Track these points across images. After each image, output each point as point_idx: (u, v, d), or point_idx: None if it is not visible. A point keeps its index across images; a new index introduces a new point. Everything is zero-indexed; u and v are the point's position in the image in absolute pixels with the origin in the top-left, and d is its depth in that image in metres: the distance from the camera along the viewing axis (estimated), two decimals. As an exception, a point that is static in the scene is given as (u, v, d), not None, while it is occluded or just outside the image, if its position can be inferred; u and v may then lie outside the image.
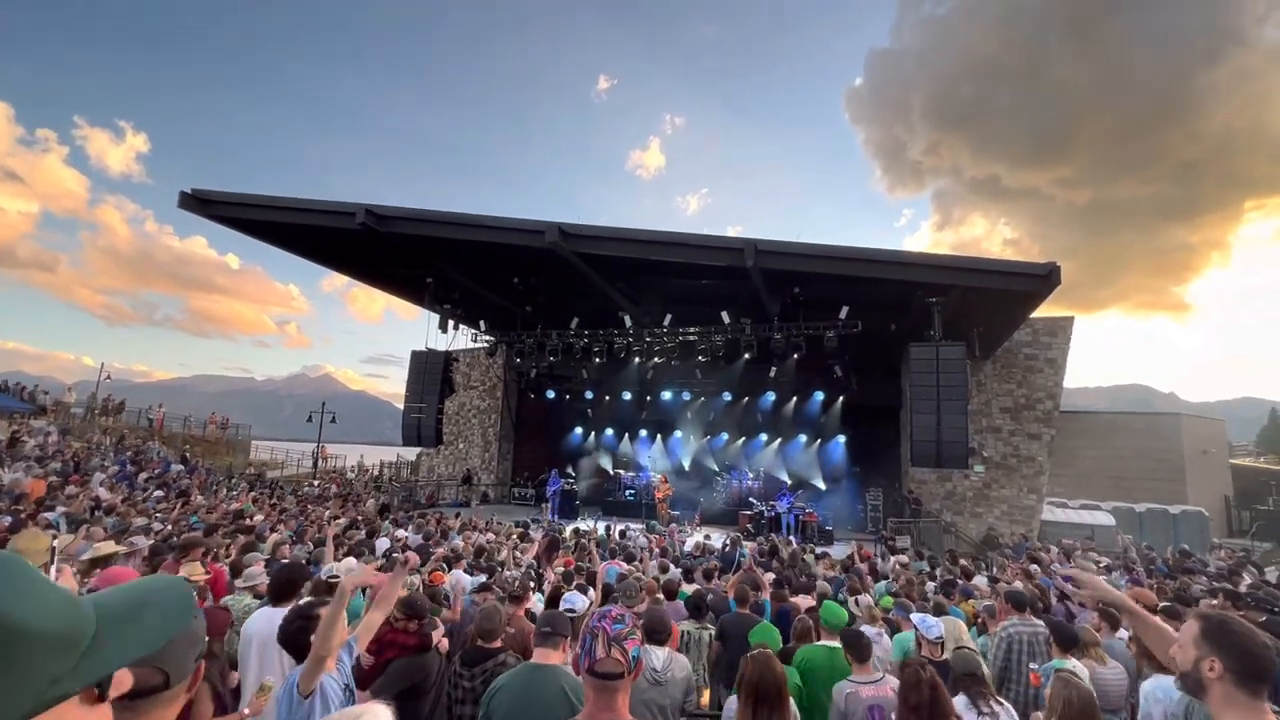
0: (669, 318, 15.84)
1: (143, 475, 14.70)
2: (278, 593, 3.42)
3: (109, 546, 4.19)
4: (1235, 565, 10.56)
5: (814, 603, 5.14)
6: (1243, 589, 6.52)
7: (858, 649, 3.37)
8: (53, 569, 2.61)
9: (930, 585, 6.85)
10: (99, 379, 25.52)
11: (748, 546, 9.52)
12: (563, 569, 6.35)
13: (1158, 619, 1.88)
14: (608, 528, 11.78)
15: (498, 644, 3.02)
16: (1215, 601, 5.21)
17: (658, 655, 3.32)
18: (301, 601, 2.74)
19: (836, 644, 3.85)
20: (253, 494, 14.25)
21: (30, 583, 0.62)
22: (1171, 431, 24.83)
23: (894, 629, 4.89)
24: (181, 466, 17.05)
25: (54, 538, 3.47)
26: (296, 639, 2.37)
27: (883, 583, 6.71)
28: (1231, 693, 1.53)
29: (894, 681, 3.22)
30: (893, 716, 3.05)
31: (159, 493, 11.81)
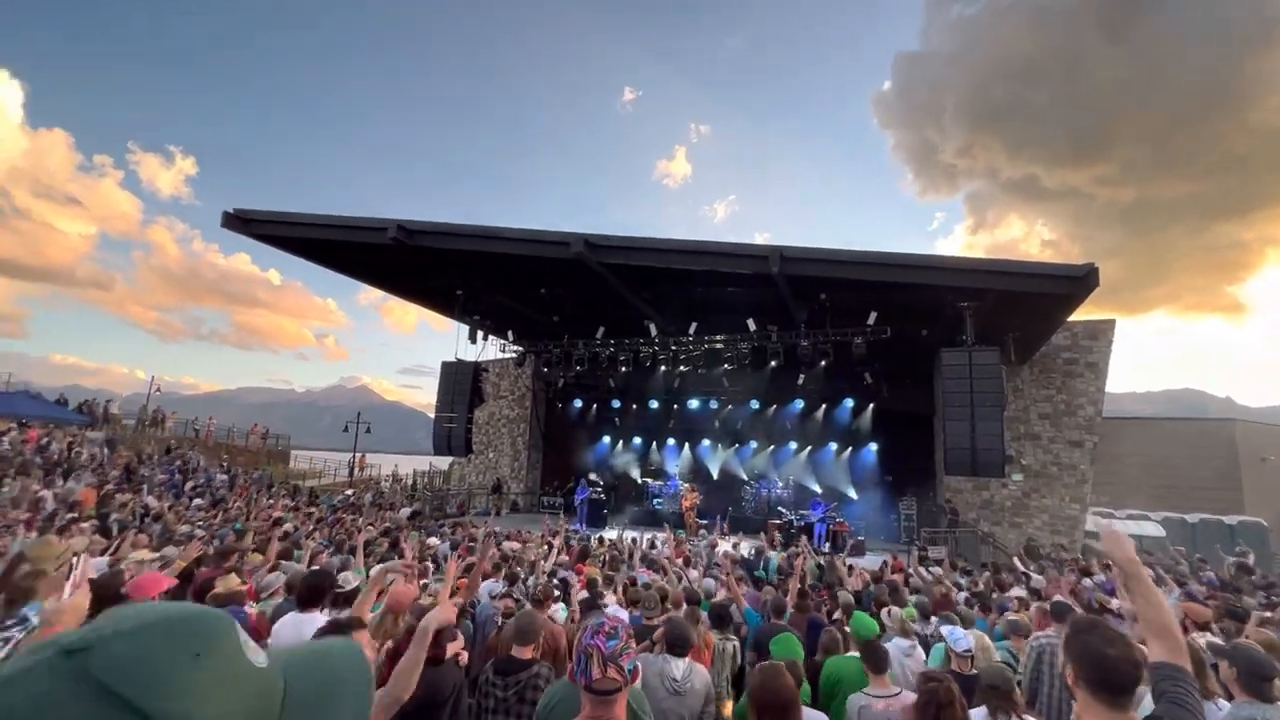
0: (695, 326, 15.81)
1: (189, 484, 15.28)
2: (305, 597, 3.51)
3: (142, 554, 4.36)
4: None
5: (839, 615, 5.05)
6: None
7: (875, 660, 3.31)
8: (75, 570, 2.66)
9: (960, 596, 6.66)
10: (149, 391, 26.69)
11: (776, 557, 9.40)
12: (588, 578, 6.38)
13: (1163, 601, 1.76)
14: (634, 538, 11.77)
15: (530, 653, 3.02)
16: (1269, 615, 4.93)
17: (678, 666, 3.32)
18: (348, 615, 2.73)
19: None
20: (285, 502, 14.67)
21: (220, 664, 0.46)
22: (1225, 437, 23.68)
23: (928, 642, 4.77)
24: (224, 476, 17.65)
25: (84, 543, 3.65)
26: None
27: (913, 596, 6.55)
28: (1088, 699, 1.53)
29: (909, 697, 3.16)
30: None
31: (199, 501, 12.25)
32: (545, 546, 7.96)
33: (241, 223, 14.46)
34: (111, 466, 15.30)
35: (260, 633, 3.05)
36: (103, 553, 5.57)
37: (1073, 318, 14.04)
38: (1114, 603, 5.48)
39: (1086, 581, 8.30)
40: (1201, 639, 4.16)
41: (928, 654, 4.38)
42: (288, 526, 9.21)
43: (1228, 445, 23.40)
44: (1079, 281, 10.68)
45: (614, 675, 1.56)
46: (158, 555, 4.78)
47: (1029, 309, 12.77)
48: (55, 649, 0.41)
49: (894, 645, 4.44)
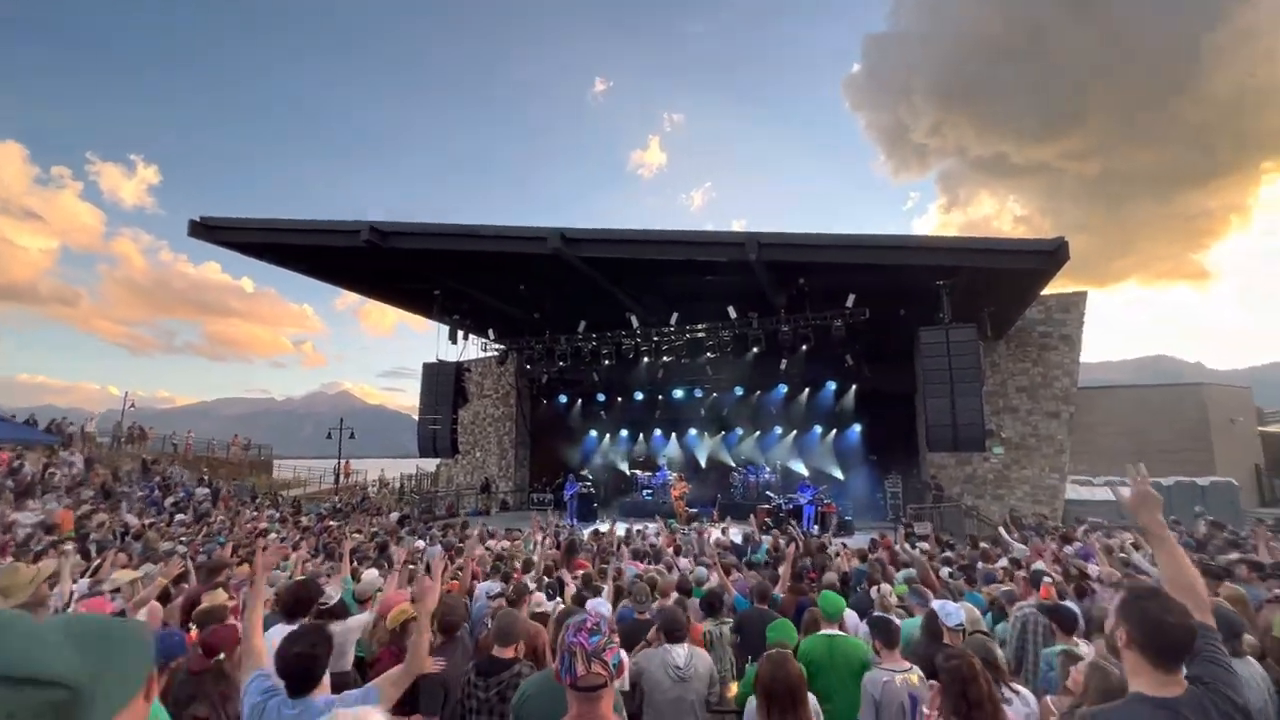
0: (676, 316, 15.84)
1: (169, 500, 15.00)
2: (291, 609, 3.47)
3: (122, 574, 4.27)
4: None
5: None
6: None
7: (886, 635, 3.33)
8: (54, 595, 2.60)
9: (945, 570, 6.79)
10: (124, 407, 26.07)
11: (766, 541, 9.49)
12: (582, 573, 6.38)
13: (1184, 555, 1.83)
14: (627, 529, 11.80)
15: (511, 652, 3.04)
16: (1241, 573, 5.10)
17: (679, 653, 3.38)
18: (309, 623, 2.71)
19: (835, 631, 3.87)
20: (269, 512, 14.47)
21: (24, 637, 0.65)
22: (1195, 402, 24.36)
23: (909, 616, 4.85)
24: (206, 490, 17.35)
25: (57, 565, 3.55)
26: (301, 667, 2.14)
27: (901, 571, 6.67)
28: (1138, 662, 1.58)
29: (919, 670, 3.21)
30: (923, 708, 3.03)
31: (181, 516, 12.03)
32: (533, 544, 7.95)
33: (209, 231, 14.14)
34: (88, 486, 14.95)
35: (215, 645, 3.03)
36: (83, 574, 5.45)
37: (1045, 291, 14.29)
38: (1091, 568, 5.63)
39: (1068, 549, 8.51)
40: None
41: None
42: (272, 537, 9.09)
43: (1198, 409, 24.08)
44: (1049, 255, 10.87)
45: (599, 670, 1.55)
46: (139, 574, 4.68)
47: (1003, 285, 12.97)
48: None
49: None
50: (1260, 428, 28.03)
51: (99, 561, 6.10)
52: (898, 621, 3.51)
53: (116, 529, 9.91)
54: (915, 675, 3.13)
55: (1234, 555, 6.61)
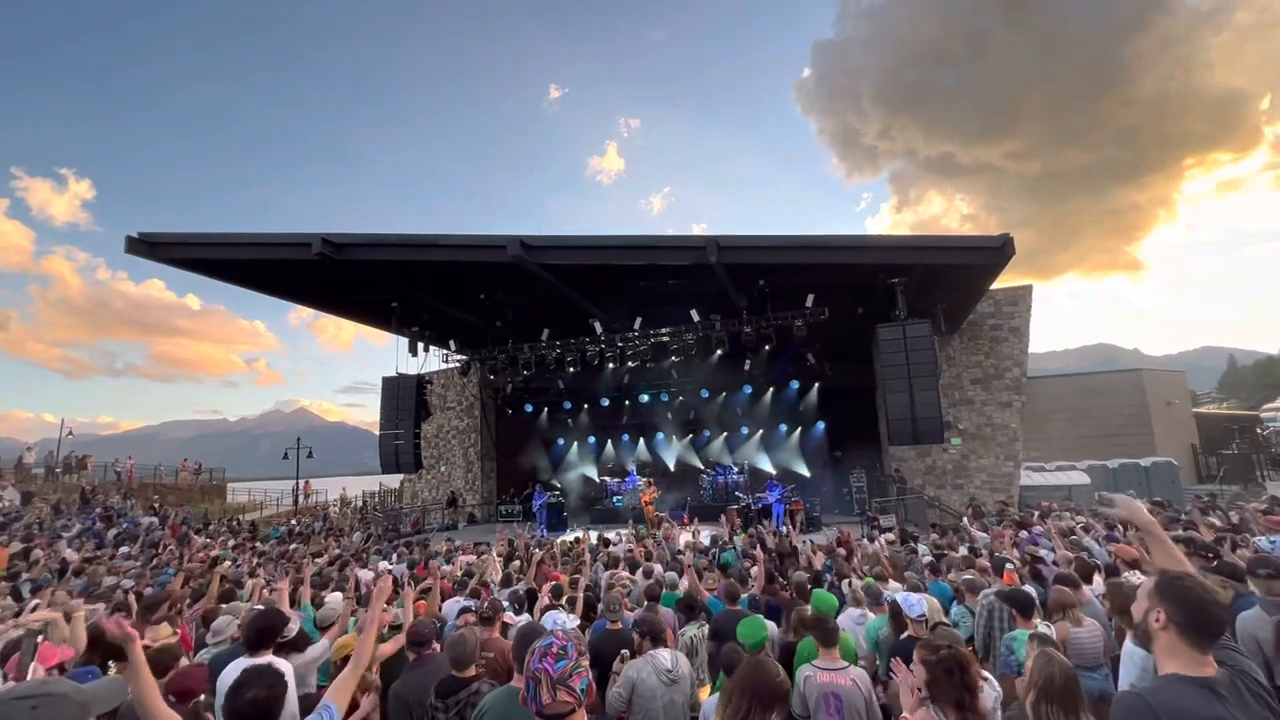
0: (639, 320, 15.85)
1: (112, 531, 14.21)
2: (254, 640, 3.29)
3: (46, 614, 3.95)
4: (1202, 509, 10.88)
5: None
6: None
7: (823, 633, 3.40)
8: None
9: (915, 561, 6.94)
10: (60, 435, 24.65)
11: (736, 542, 9.53)
12: (552, 585, 6.29)
13: (1180, 554, 1.99)
14: (598, 536, 11.71)
15: (471, 672, 2.98)
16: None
17: (665, 656, 3.42)
18: (260, 664, 2.55)
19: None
20: (223, 539, 13.88)
21: None
22: (1135, 387, 25.62)
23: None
24: (153, 519, 16.51)
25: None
26: (257, 713, 2.08)
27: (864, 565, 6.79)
28: (1175, 643, 1.59)
29: (856, 671, 3.25)
30: (861, 704, 3.07)
31: (125, 548, 11.41)
32: (499, 558, 7.81)
33: (148, 247, 13.51)
34: (21, 521, 14.04)
35: (189, 689, 2.81)
36: (14, 616, 5.09)
37: (994, 286, 14.85)
38: (1043, 552, 5.84)
39: (1024, 533, 8.82)
40: (1133, 577, 4.48)
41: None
42: (227, 565, 8.70)
43: (1137, 392, 25.34)
44: (996, 251, 11.30)
45: (565, 699, 1.48)
46: (54, 615, 4.32)
47: (954, 280, 13.42)
48: None
49: (846, 615, 4.59)
50: (1194, 409, 29.70)
51: (35, 602, 5.71)
52: (834, 622, 3.58)
53: (53, 566, 9.32)
54: (846, 676, 3.18)
55: (1177, 533, 6.95)
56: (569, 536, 12.84)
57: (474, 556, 8.86)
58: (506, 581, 6.56)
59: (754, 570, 6.05)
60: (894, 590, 4.81)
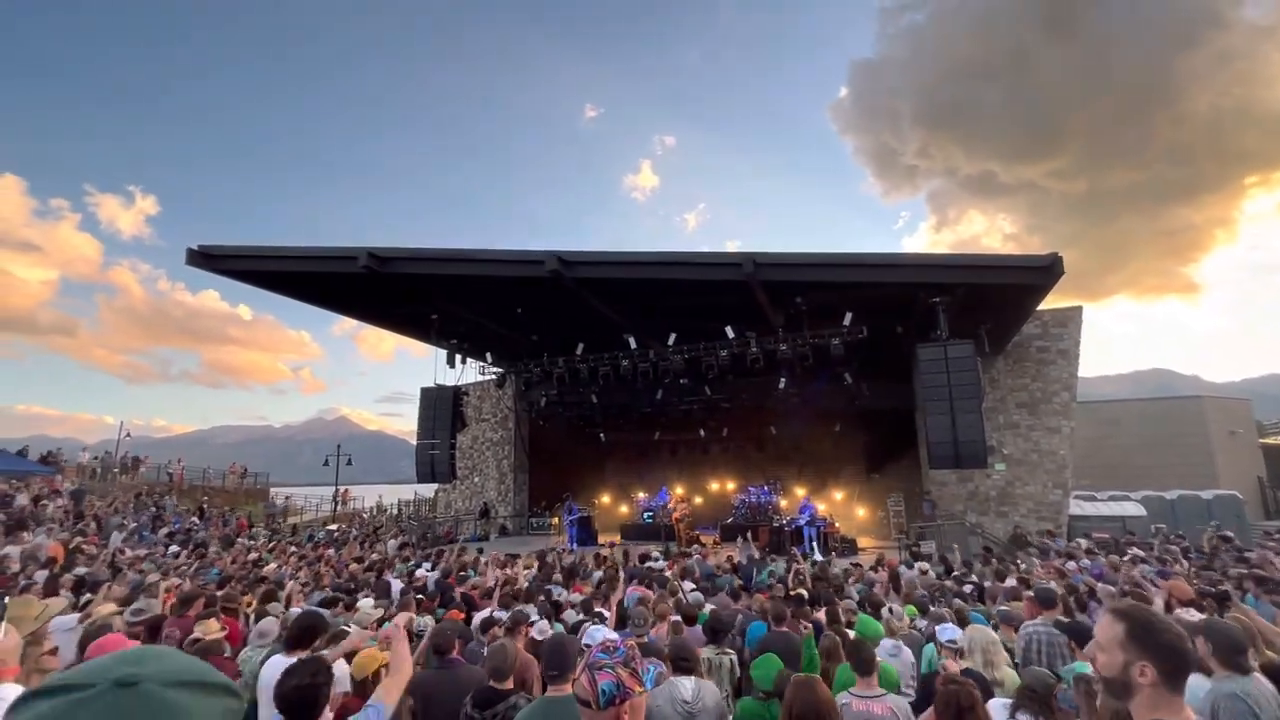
0: (673, 336, 15.84)
1: (162, 531, 14.80)
2: (294, 640, 3.39)
3: (110, 608, 4.16)
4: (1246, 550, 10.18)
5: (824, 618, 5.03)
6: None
7: (859, 662, 3.30)
8: (1, 627, 2.51)
9: (951, 588, 6.69)
10: (119, 437, 25.91)
11: (772, 565, 9.34)
12: (581, 599, 6.28)
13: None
14: (625, 552, 11.66)
15: (509, 685, 2.98)
16: (1249, 588, 5.04)
17: (686, 685, 3.28)
18: (306, 656, 2.67)
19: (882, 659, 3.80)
20: (266, 542, 14.28)
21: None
22: (1195, 415, 24.33)
23: (923, 640, 4.77)
24: (198, 520, 17.13)
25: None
26: (301, 699, 2.21)
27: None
28: (1160, 695, 1.47)
29: (894, 700, 3.14)
30: None
31: (174, 548, 11.86)
32: (526, 569, 7.83)
33: (206, 259, 14.18)
34: (79, 518, 14.75)
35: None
36: (72, 609, 5.33)
37: (1041, 306, 14.34)
38: (1099, 587, 5.55)
39: (1070, 565, 8.42)
40: (1188, 615, 4.22)
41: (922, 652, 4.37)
42: (271, 567, 8.96)
43: (1199, 422, 24.04)
44: (1044, 271, 10.94)
45: (585, 684, 1.52)
46: (129, 608, 4.57)
47: (999, 300, 13.02)
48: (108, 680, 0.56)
49: (880, 646, 4.44)
50: (1261, 440, 27.97)
51: (89, 598, 5.98)
52: (871, 650, 3.45)
53: (106, 562, 9.75)
54: (883, 705, 3.08)
55: (1242, 570, 6.54)
56: (602, 551, 12.82)
57: (501, 571, 8.90)
58: (528, 596, 6.57)
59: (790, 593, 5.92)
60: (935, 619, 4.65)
